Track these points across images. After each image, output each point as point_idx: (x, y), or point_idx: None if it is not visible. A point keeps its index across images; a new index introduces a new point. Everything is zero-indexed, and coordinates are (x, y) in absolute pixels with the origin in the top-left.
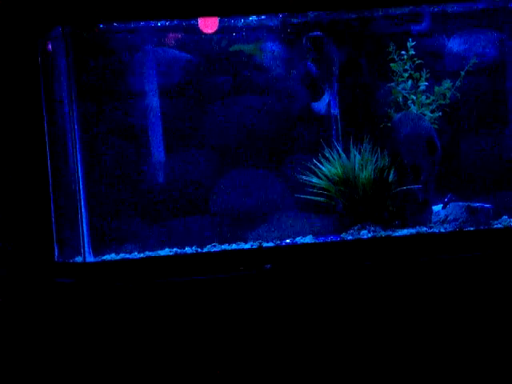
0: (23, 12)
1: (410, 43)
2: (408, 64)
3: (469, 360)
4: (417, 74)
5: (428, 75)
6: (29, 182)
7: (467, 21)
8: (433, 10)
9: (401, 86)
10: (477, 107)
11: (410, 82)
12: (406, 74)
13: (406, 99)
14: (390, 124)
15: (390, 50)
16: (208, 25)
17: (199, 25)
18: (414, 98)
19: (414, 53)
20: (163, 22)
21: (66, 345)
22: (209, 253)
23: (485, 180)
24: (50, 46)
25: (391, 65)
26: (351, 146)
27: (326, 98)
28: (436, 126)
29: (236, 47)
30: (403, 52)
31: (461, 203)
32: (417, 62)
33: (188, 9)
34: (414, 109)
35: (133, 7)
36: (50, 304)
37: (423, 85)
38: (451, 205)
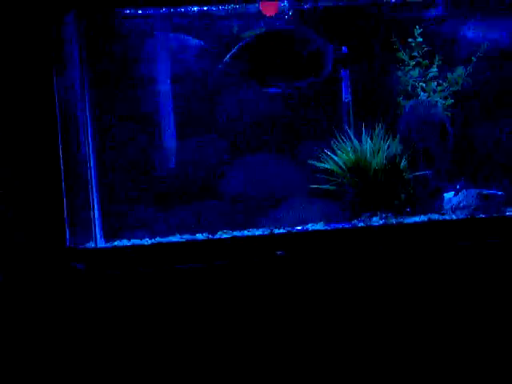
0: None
1: (418, 30)
2: (416, 51)
3: (481, 348)
4: (426, 62)
5: (440, 62)
6: (41, 168)
7: (481, 6)
8: None
9: (408, 73)
10: (489, 93)
11: (417, 69)
12: (413, 62)
13: (414, 87)
14: (402, 111)
15: (394, 39)
16: (269, 8)
17: (260, 7)
18: (424, 85)
19: (421, 40)
20: (175, 8)
21: (78, 329)
22: (220, 239)
23: (497, 167)
24: (63, 32)
25: (397, 54)
26: (363, 132)
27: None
28: (448, 113)
29: (247, 33)
30: (411, 39)
31: (473, 190)
32: (425, 48)
33: None
34: (423, 96)
35: None
36: (61, 289)
37: (433, 71)
38: (463, 192)
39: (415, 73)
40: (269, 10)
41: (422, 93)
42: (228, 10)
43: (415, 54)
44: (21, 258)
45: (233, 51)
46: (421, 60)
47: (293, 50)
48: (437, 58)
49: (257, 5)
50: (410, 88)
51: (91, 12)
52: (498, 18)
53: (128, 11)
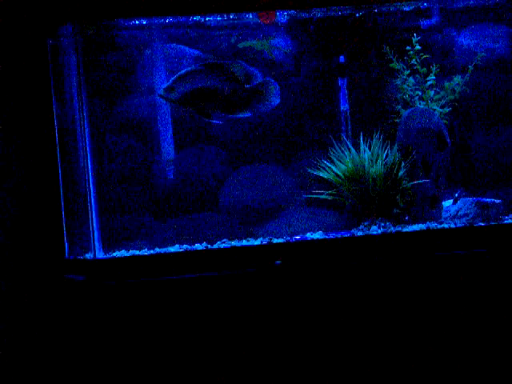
0: (32, 10)
1: (415, 38)
2: (414, 59)
3: (480, 356)
4: (424, 70)
5: (438, 70)
6: (39, 179)
7: (477, 15)
8: (442, 4)
9: (404, 82)
10: (486, 102)
11: (411, 78)
12: (407, 72)
13: (411, 96)
14: (399, 119)
15: (385, 51)
16: (266, 16)
17: (258, 16)
18: (420, 93)
19: (419, 48)
20: (172, 18)
21: (77, 341)
22: (219, 249)
23: (495, 175)
24: (59, 44)
25: (390, 65)
26: (361, 141)
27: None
28: (446, 122)
29: (245, 43)
30: (408, 47)
31: (471, 198)
32: (423, 57)
33: (197, 5)
34: (421, 105)
35: (141, 4)
36: (60, 300)
37: (431, 80)
38: (461, 200)
39: (412, 82)
40: (266, 18)
41: (419, 101)
42: (225, 20)
43: (413, 62)
44: (19, 270)
45: (172, 78)
46: (419, 68)
47: (231, 84)
48: (433, 67)
49: (251, 16)
50: (407, 97)
51: (86, 24)
52: (493, 27)
53: (123, 22)
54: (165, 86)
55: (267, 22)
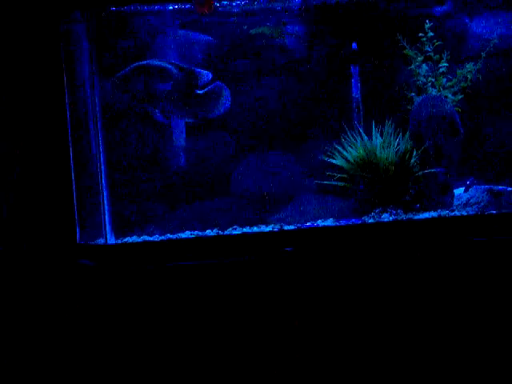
0: None
1: (428, 24)
2: (427, 46)
3: (492, 342)
4: (437, 56)
5: (449, 57)
6: (51, 164)
7: (489, 2)
8: None
9: (417, 69)
10: (499, 89)
11: (424, 65)
12: (421, 58)
13: (424, 82)
14: (411, 106)
15: (398, 37)
16: (202, 7)
17: (194, 6)
18: (433, 80)
19: (432, 34)
20: (184, 4)
21: (88, 325)
22: (230, 236)
23: (507, 163)
24: (71, 29)
25: (404, 51)
26: (373, 128)
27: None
28: (458, 109)
29: (257, 29)
30: (421, 34)
31: (483, 186)
32: (436, 43)
33: None
34: (433, 91)
35: None
36: (71, 285)
37: (443, 67)
38: (473, 188)
39: (422, 69)
40: (202, 9)
41: (431, 88)
42: (237, 6)
43: (427, 49)
44: (31, 255)
45: (123, 71)
46: (432, 55)
47: (181, 87)
48: (444, 54)
49: (263, 1)
50: (420, 83)
51: (98, 9)
52: (506, 14)
53: (135, 8)
54: (121, 73)
55: (204, 11)
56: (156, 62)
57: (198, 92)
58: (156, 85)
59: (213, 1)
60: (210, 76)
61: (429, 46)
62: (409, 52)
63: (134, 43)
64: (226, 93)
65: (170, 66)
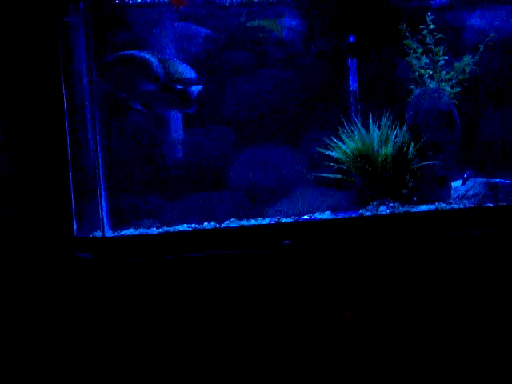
0: None
1: (429, 17)
2: (428, 38)
3: (489, 337)
4: (437, 49)
5: (446, 49)
6: (48, 156)
7: None
8: None
9: (416, 61)
10: (496, 82)
11: (423, 57)
12: (420, 50)
13: (422, 75)
14: (409, 99)
15: (401, 27)
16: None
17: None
18: (431, 72)
19: (433, 27)
20: None
21: (84, 319)
22: (227, 228)
23: (505, 156)
24: (69, 22)
25: (404, 42)
26: (370, 121)
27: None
28: (456, 102)
29: (255, 22)
30: (422, 26)
31: (480, 179)
32: (437, 36)
33: None
34: (431, 84)
35: None
36: (68, 278)
37: (442, 59)
38: (471, 180)
39: (421, 61)
40: (178, 2)
41: (429, 81)
42: None
43: (428, 41)
44: (28, 248)
45: (107, 58)
46: (432, 47)
47: (149, 78)
48: (442, 47)
49: None
50: (417, 76)
51: (95, 1)
52: (504, 7)
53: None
54: (106, 60)
55: (179, 5)
56: (139, 53)
57: (177, 87)
58: (137, 75)
59: None
60: (194, 74)
61: (430, 39)
62: (410, 43)
63: (131, 36)
64: (198, 92)
65: (151, 59)
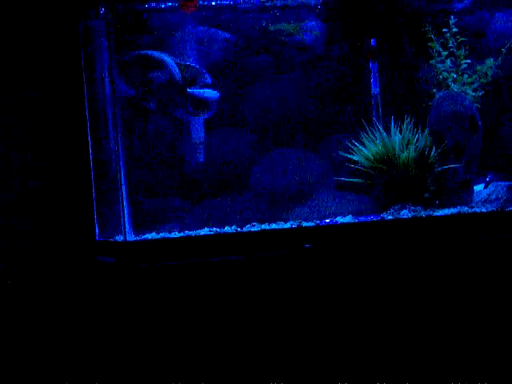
0: None
1: (452, 20)
2: (450, 42)
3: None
4: (460, 52)
5: (467, 53)
6: (70, 161)
7: None
8: None
9: (440, 64)
10: None
11: (448, 60)
12: (445, 53)
13: (445, 78)
14: (431, 103)
15: (427, 29)
16: (188, 6)
17: (180, 3)
18: (455, 75)
19: (456, 30)
20: (203, 0)
21: (107, 322)
22: (248, 232)
23: None
24: (90, 26)
25: (429, 44)
26: (392, 124)
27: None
28: (478, 105)
29: (276, 26)
30: (445, 30)
31: (503, 183)
32: (460, 39)
33: None
34: (454, 87)
35: None
36: (90, 282)
37: (464, 62)
38: (493, 184)
39: (446, 64)
40: (188, 8)
41: (452, 84)
42: (256, 2)
43: (450, 44)
44: (51, 252)
45: (125, 57)
46: (455, 50)
47: (172, 82)
48: (462, 50)
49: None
50: (441, 79)
51: (117, 6)
52: None
53: (154, 4)
54: (123, 59)
55: (189, 10)
56: (155, 54)
57: (190, 91)
58: (152, 75)
59: (196, 0)
60: (209, 80)
61: (452, 42)
62: (435, 45)
63: (152, 40)
64: (215, 98)
65: (168, 60)
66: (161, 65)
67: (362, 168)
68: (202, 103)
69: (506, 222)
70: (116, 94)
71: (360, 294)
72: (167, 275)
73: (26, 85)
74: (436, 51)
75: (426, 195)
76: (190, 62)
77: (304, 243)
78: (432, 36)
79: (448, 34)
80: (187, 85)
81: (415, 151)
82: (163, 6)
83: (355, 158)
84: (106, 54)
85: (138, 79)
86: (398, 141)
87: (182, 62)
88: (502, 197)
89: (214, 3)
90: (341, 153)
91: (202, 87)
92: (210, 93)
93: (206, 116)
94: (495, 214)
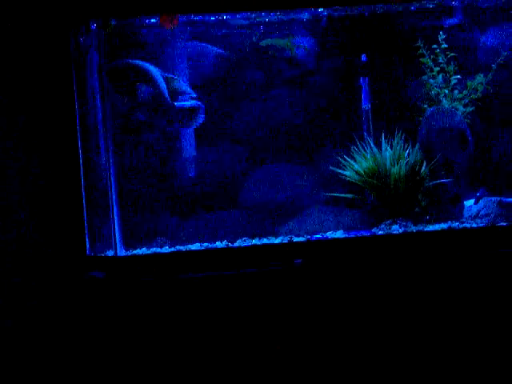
0: (56, 5)
1: (442, 36)
2: (440, 57)
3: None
4: (450, 68)
5: (457, 68)
6: (60, 176)
7: (499, 14)
8: (464, 3)
9: (431, 80)
10: (509, 101)
11: (440, 76)
12: (437, 68)
13: (437, 93)
14: (421, 118)
15: (419, 44)
16: (168, 21)
17: (160, 20)
18: (446, 91)
19: (446, 46)
20: (194, 16)
21: (97, 338)
22: (239, 247)
23: None
24: (81, 40)
25: (421, 59)
26: (383, 140)
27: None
28: (468, 121)
29: (267, 41)
30: (435, 46)
31: (493, 198)
32: (450, 55)
33: (219, 3)
34: (445, 103)
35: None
36: (81, 298)
37: (455, 78)
38: (483, 200)
39: (438, 80)
40: (168, 24)
41: (443, 100)
42: (247, 18)
43: (440, 60)
44: (41, 267)
45: (112, 64)
46: (445, 66)
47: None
48: (452, 66)
49: (273, 14)
50: (433, 94)
51: (108, 21)
52: None
53: (146, 20)
54: (110, 65)
55: (169, 26)
56: (143, 64)
57: (174, 103)
58: (139, 84)
59: (176, 17)
60: (193, 94)
61: (442, 58)
62: (428, 61)
63: (143, 55)
64: (201, 111)
65: (154, 70)
66: (148, 74)
67: (353, 184)
68: (187, 114)
69: (496, 238)
70: (111, 112)
71: (351, 309)
72: (158, 290)
73: (17, 103)
74: (427, 67)
75: (417, 210)
76: (180, 76)
77: (295, 258)
78: (424, 51)
79: (438, 50)
80: (173, 97)
81: (406, 166)
82: (154, 20)
83: (346, 173)
84: (96, 68)
85: (124, 87)
86: (389, 156)
87: (168, 75)
88: (492, 212)
89: (204, 18)
90: (332, 168)
91: (187, 99)
92: (195, 104)
93: (193, 126)
94: (485, 230)
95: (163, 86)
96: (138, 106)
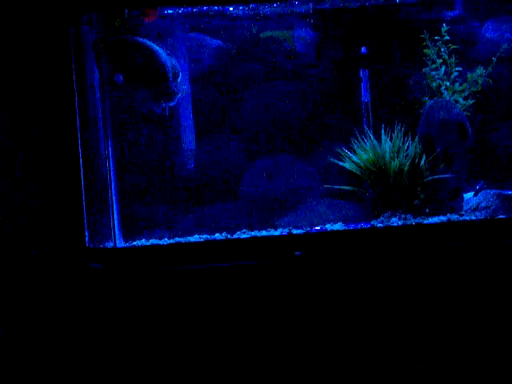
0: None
1: (445, 28)
2: (443, 49)
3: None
4: (451, 60)
5: (458, 61)
6: (59, 167)
7: (500, 6)
8: None
9: (433, 72)
10: (509, 93)
11: (443, 68)
12: (440, 61)
13: (439, 85)
14: (421, 111)
15: (424, 36)
16: (149, 14)
17: (144, 12)
18: (448, 84)
19: (448, 38)
20: (194, 7)
21: (96, 329)
22: (238, 239)
23: None
24: (81, 32)
25: (425, 50)
26: (382, 133)
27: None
28: (468, 114)
29: (266, 33)
30: (437, 37)
31: (492, 191)
32: (452, 47)
33: None
34: (446, 95)
35: None
36: (80, 289)
37: (454, 70)
38: (483, 192)
39: (440, 72)
40: (148, 16)
41: (445, 92)
42: (247, 10)
43: (442, 52)
44: (41, 259)
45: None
46: (446, 58)
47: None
48: (453, 58)
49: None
50: (434, 87)
51: (108, 13)
52: None
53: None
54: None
55: (150, 19)
56: (148, 42)
57: (170, 83)
58: (136, 59)
59: (156, 10)
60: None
61: (444, 50)
62: (431, 52)
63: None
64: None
65: (160, 51)
66: (151, 52)
67: (352, 176)
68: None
69: (496, 231)
70: (110, 103)
71: (350, 301)
72: (156, 282)
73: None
74: (429, 59)
75: (417, 203)
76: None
77: (294, 250)
78: (428, 43)
79: (440, 42)
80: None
81: (405, 159)
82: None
83: (346, 165)
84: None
85: (122, 61)
86: (389, 149)
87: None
88: (491, 205)
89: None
90: (331, 159)
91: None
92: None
93: (170, 104)
94: (484, 222)
95: (167, 61)
96: (136, 78)
